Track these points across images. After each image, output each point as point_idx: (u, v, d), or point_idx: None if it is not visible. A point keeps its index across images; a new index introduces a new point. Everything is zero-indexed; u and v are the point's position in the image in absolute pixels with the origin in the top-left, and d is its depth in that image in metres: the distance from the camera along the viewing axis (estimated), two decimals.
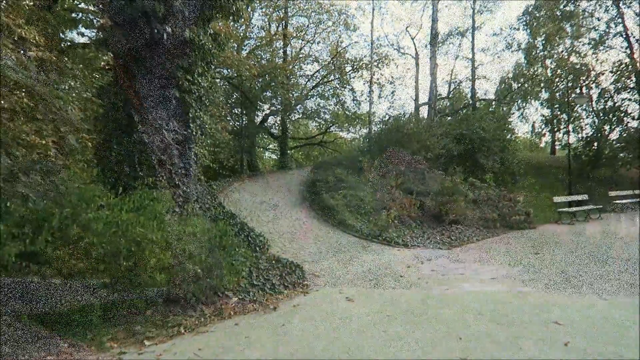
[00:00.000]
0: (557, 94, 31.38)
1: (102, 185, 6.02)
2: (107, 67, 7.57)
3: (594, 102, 28.66)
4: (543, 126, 36.18)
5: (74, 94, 6.76)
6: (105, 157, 6.34)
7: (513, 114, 35.31)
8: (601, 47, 29.67)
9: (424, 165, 16.42)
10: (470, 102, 31.17)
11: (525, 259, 8.61)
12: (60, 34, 10.35)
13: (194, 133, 7.25)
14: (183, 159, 7.08)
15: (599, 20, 29.39)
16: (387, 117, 18.08)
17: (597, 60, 29.27)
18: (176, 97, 6.91)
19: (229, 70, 20.12)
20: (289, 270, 6.83)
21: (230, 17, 7.73)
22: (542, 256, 8.92)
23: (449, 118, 27.50)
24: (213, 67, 7.87)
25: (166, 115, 6.83)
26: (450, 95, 34.49)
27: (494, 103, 34.26)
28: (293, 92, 23.20)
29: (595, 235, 11.64)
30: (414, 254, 9.21)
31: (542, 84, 33.46)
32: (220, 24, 10.03)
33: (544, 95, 35.05)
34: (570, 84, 29.62)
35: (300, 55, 26.76)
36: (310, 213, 12.59)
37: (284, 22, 24.20)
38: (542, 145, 48.17)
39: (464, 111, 28.72)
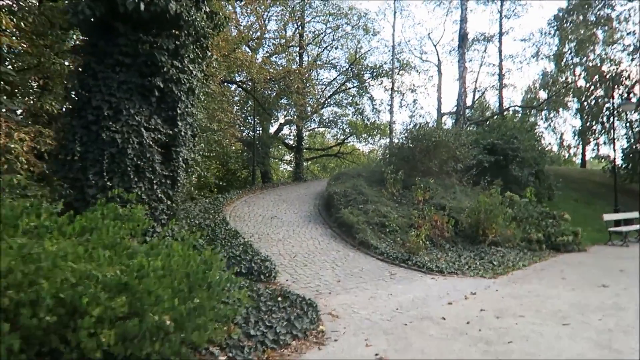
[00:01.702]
0: (591, 103, 29.53)
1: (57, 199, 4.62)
2: (77, 48, 6.19)
3: (628, 112, 26.85)
4: (575, 137, 33.99)
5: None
6: (64, 161, 4.91)
7: (539, 125, 33.43)
8: (637, 54, 27.92)
9: (454, 177, 14.79)
10: (497, 111, 29.35)
11: (594, 295, 6.87)
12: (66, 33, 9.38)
13: (182, 133, 5.75)
14: (168, 165, 5.62)
15: (635, 24, 27.63)
16: (412, 124, 16.45)
17: (637, 65, 27.26)
18: (160, 87, 5.46)
19: (241, 75, 18.94)
20: (300, 312, 5.23)
21: None
22: (614, 290, 7.19)
23: (474, 127, 25.75)
24: (209, 53, 6.42)
25: (147, 110, 5.38)
26: (475, 105, 32.77)
27: (520, 111, 32.47)
28: (309, 99, 21.83)
29: None
30: (452, 285, 7.56)
31: (571, 93, 31.69)
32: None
33: (575, 104, 33.27)
34: (603, 92, 27.87)
35: (317, 62, 25.52)
36: (327, 231, 11.05)
37: (300, 25, 22.98)
38: (567, 157, 45.90)
39: (491, 120, 26.98)
